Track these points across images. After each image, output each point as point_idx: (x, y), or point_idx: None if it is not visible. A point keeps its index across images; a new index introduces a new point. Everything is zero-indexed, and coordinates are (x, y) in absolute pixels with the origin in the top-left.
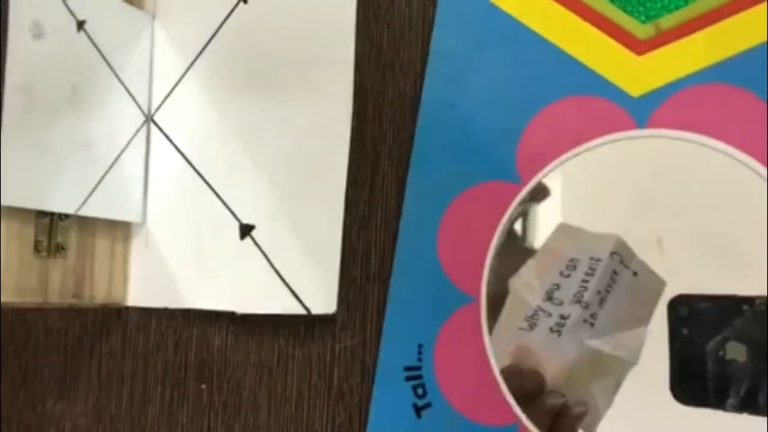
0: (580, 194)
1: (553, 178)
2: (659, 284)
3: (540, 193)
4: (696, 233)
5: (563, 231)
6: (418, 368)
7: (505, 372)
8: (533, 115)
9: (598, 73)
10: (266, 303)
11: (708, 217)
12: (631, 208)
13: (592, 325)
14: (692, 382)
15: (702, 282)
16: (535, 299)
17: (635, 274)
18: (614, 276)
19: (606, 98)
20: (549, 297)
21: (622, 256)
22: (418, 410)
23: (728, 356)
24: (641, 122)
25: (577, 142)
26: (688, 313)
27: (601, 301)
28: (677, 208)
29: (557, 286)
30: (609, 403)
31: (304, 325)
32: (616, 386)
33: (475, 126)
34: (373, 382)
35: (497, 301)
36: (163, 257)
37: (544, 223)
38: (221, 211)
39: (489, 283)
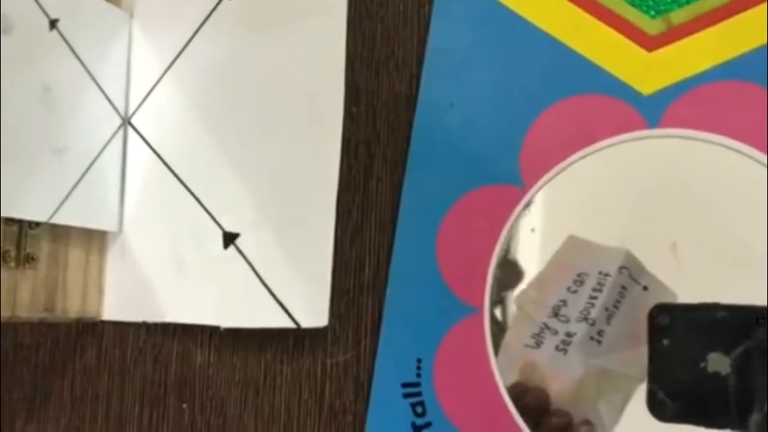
0: (588, 198)
1: (558, 181)
2: (670, 297)
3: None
4: (712, 237)
5: (572, 244)
6: (417, 384)
7: (510, 390)
8: (537, 115)
9: (607, 70)
10: (252, 316)
11: (725, 220)
12: (643, 212)
13: (599, 342)
14: (671, 396)
15: (718, 290)
16: (542, 316)
17: (645, 288)
18: (623, 291)
19: (615, 97)
20: (555, 313)
21: (630, 270)
22: (417, 429)
23: (710, 369)
24: (653, 122)
25: (585, 144)
26: (669, 322)
27: (609, 318)
28: (692, 212)
29: (564, 302)
30: (616, 420)
31: (293, 339)
32: (623, 403)
33: (476, 127)
34: (367, 400)
35: (502, 312)
36: (141, 268)
37: (548, 228)
38: (203, 218)
39: (493, 293)
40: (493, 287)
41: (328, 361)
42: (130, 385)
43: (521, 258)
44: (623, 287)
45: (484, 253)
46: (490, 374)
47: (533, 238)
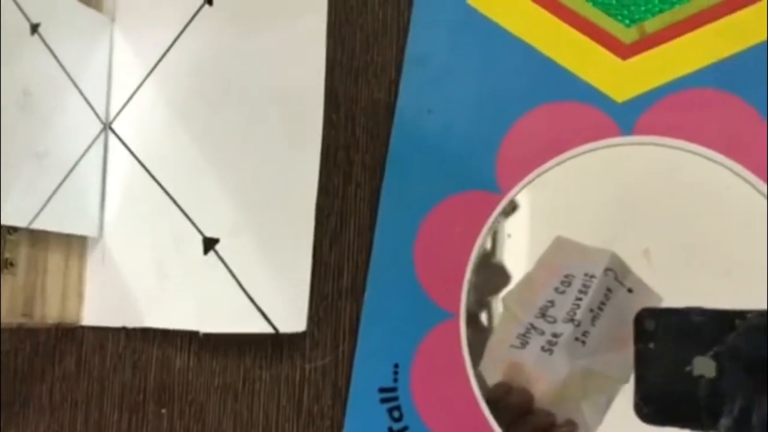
0: (563, 205)
1: (534, 187)
2: (655, 300)
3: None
4: (684, 243)
5: (559, 245)
6: (394, 389)
7: (493, 389)
8: (514, 121)
9: (582, 78)
10: (231, 321)
11: (697, 226)
12: (617, 218)
13: (583, 343)
14: (658, 400)
15: (692, 294)
16: (528, 316)
17: (630, 290)
18: (608, 293)
19: (590, 104)
20: (543, 314)
21: (616, 272)
22: None
23: (696, 372)
24: (627, 129)
25: (560, 151)
26: (655, 327)
27: (594, 319)
28: (665, 218)
29: (552, 303)
30: (599, 421)
31: (272, 344)
32: (607, 404)
33: (453, 133)
34: (345, 405)
35: (478, 317)
36: (121, 273)
37: (524, 233)
38: (183, 223)
39: (469, 298)
40: (469, 293)
41: (307, 366)
42: (109, 390)
43: (497, 264)
44: (608, 289)
45: (460, 259)
46: (467, 379)
47: (509, 243)
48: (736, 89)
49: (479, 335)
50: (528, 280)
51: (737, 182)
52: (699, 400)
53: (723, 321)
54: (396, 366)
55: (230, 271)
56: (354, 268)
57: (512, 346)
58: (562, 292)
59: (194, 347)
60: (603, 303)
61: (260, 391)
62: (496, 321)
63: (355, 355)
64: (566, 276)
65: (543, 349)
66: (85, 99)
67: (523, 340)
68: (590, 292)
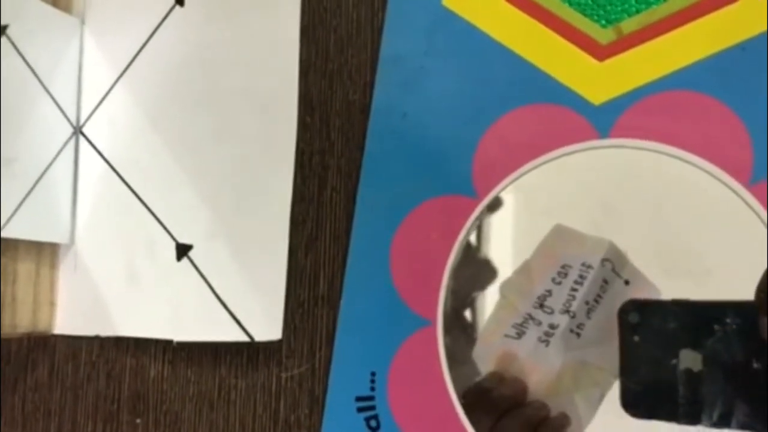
0: (539, 208)
1: (510, 191)
2: (653, 292)
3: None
4: (660, 245)
5: (558, 233)
6: (371, 398)
7: (486, 379)
8: (489, 124)
9: (558, 80)
10: (205, 330)
11: (674, 228)
12: (593, 221)
13: (578, 335)
14: (644, 393)
15: (668, 296)
16: (526, 306)
17: (627, 282)
18: (604, 285)
19: (566, 106)
20: (540, 304)
21: (614, 263)
22: None
23: (682, 365)
24: (603, 131)
25: (536, 154)
26: (640, 319)
27: (589, 312)
28: (642, 221)
29: (549, 293)
30: (592, 414)
31: (248, 352)
32: (601, 397)
33: (429, 137)
34: (323, 414)
35: (455, 324)
36: (94, 281)
37: (501, 238)
38: (156, 230)
39: (446, 305)
40: (446, 299)
41: (283, 375)
42: (82, 400)
43: (474, 269)
44: (605, 281)
45: (437, 265)
46: (444, 387)
47: (486, 248)
48: (714, 91)
49: (457, 342)
50: (526, 268)
51: (714, 184)
52: (684, 393)
53: (707, 313)
54: (373, 374)
55: (204, 278)
56: (330, 274)
57: (507, 335)
58: (559, 283)
59: (168, 356)
60: (599, 295)
61: (236, 401)
62: (476, 325)
63: (331, 363)
64: (563, 266)
65: (540, 339)
66: (55, 102)
67: (520, 330)
68: (586, 283)
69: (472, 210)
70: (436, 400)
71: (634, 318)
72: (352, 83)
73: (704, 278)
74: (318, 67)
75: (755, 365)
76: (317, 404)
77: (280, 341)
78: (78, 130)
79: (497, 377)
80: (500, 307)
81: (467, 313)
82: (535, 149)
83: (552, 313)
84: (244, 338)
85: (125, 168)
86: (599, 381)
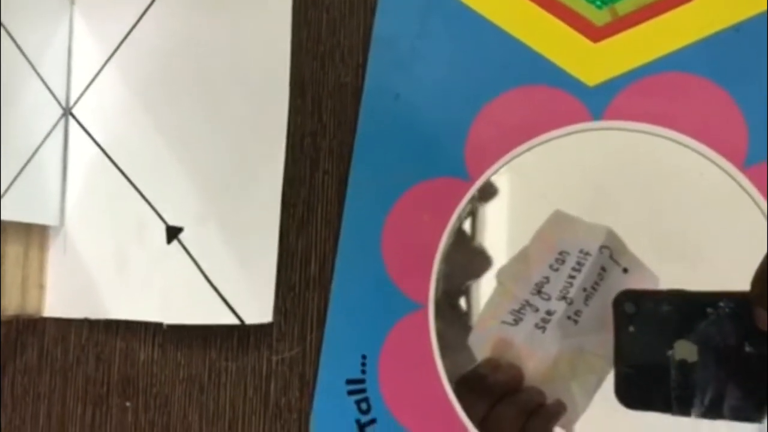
0: (532, 191)
1: (503, 174)
2: (652, 281)
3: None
4: (654, 227)
5: (557, 219)
6: (362, 381)
7: (481, 366)
8: (482, 106)
9: (552, 61)
10: (195, 313)
11: (666, 210)
12: (587, 204)
13: (576, 322)
14: (639, 384)
15: (663, 281)
16: (523, 292)
17: (625, 270)
18: (602, 273)
19: (560, 88)
20: (538, 291)
21: (612, 250)
22: (361, 427)
23: (678, 356)
24: (597, 113)
25: (530, 136)
26: (635, 310)
27: (587, 298)
28: (634, 203)
29: (547, 280)
30: (588, 401)
31: (238, 336)
32: (597, 385)
33: (421, 118)
34: (313, 397)
35: (447, 307)
36: (83, 263)
37: (494, 222)
38: (146, 212)
39: (438, 288)
40: (438, 282)
41: (274, 358)
42: (72, 383)
43: (466, 252)
44: (603, 268)
45: (429, 248)
46: (435, 370)
47: (478, 232)
48: (708, 73)
49: (449, 327)
50: (524, 254)
51: (709, 167)
52: (678, 384)
53: (703, 304)
54: (364, 357)
55: (194, 261)
56: (321, 257)
57: (504, 322)
58: (557, 269)
59: (159, 339)
60: (597, 283)
61: (226, 384)
62: (470, 310)
63: (322, 346)
64: (560, 253)
65: (536, 326)
66: (45, 83)
67: (516, 317)
68: (584, 270)
69: (464, 193)
70: (427, 384)
71: (629, 308)
72: (344, 65)
73: (698, 261)
74: (310, 49)
75: (747, 349)
76: (308, 387)
77: (270, 324)
78: (67, 112)
79: (492, 364)
80: (497, 293)
81: (461, 298)
82: (528, 131)
83: (549, 299)
84: (235, 321)
85: (115, 150)
86: (596, 368)
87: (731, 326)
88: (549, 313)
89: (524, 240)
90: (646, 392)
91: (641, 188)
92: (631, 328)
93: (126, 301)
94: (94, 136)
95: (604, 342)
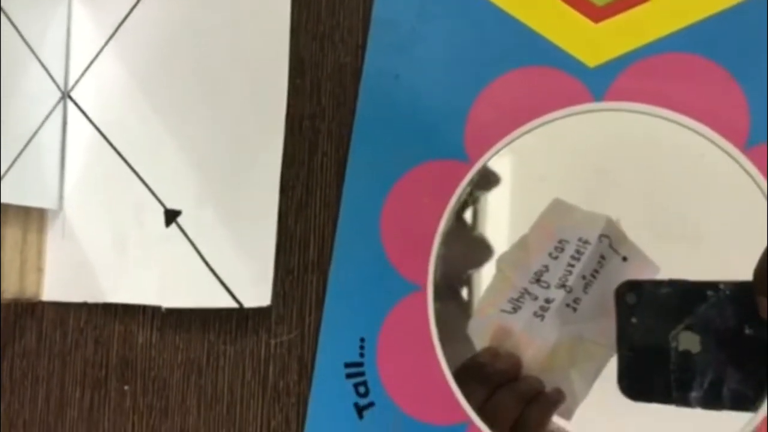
0: (532, 173)
1: (503, 156)
2: (651, 270)
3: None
4: (654, 209)
5: (556, 208)
6: (360, 364)
7: (480, 354)
8: (483, 87)
9: (553, 42)
10: (194, 296)
11: (667, 192)
12: (588, 186)
13: (574, 310)
14: (641, 376)
15: (665, 264)
16: (522, 280)
17: (625, 259)
18: (601, 261)
19: (561, 69)
20: (537, 279)
21: (611, 239)
22: (359, 410)
23: (681, 347)
24: (598, 94)
25: (530, 117)
26: (637, 300)
27: (586, 286)
28: (636, 185)
29: (546, 268)
30: (587, 389)
31: (236, 319)
32: (596, 373)
33: (421, 100)
34: (311, 380)
35: (445, 290)
36: (82, 247)
37: (495, 206)
38: (144, 195)
39: (437, 271)
40: (437, 265)
41: (272, 341)
42: (70, 367)
43: (466, 235)
44: (602, 256)
45: (428, 230)
46: (434, 353)
47: (478, 214)
48: (710, 53)
49: (447, 308)
50: (523, 242)
51: (710, 148)
52: (680, 375)
53: (704, 291)
54: (362, 340)
55: (192, 244)
56: (320, 240)
57: (503, 310)
58: (555, 258)
59: (157, 322)
60: (596, 271)
61: (225, 367)
62: (470, 296)
63: (320, 329)
64: (560, 241)
65: (535, 314)
66: (44, 66)
67: (515, 305)
68: (583, 258)
69: (463, 175)
70: (425, 367)
71: (631, 299)
72: (343, 46)
73: (698, 243)
74: (309, 30)
75: (747, 332)
76: (306, 370)
77: (269, 307)
78: (66, 95)
79: (492, 352)
80: (496, 280)
81: (460, 282)
82: (528, 113)
83: (548, 287)
84: (233, 305)
85: (114, 133)
86: (595, 356)
87: (731, 311)
88: (548, 301)
89: (524, 224)
90: (648, 382)
91: (642, 170)
92: (634, 320)
93: (124, 284)
94: (93, 120)
95: (604, 330)
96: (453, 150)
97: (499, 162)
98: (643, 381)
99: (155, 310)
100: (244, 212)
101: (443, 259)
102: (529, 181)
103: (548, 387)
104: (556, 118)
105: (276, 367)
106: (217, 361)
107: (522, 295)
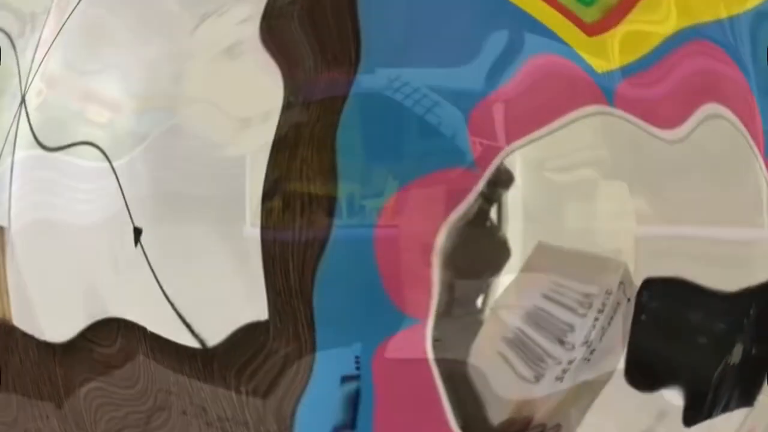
0: (540, 179)
1: (511, 161)
2: None
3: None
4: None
5: (542, 251)
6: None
7: (500, 426)
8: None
9: (564, 41)
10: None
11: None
12: (597, 190)
13: (588, 360)
14: (649, 369)
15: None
16: (543, 342)
17: (629, 300)
18: (617, 307)
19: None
20: (561, 340)
21: (625, 285)
22: None
23: (690, 344)
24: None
25: (540, 122)
26: (648, 298)
27: (602, 337)
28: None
29: (571, 328)
30: (582, 418)
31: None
32: (592, 402)
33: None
34: None
35: (449, 323)
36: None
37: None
38: None
39: (440, 301)
40: (440, 293)
41: None
42: None
43: (474, 253)
44: (618, 303)
45: (427, 251)
46: (441, 410)
47: (485, 229)
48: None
49: (449, 342)
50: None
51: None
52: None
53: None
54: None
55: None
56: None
57: (524, 379)
58: (583, 315)
59: None
60: (611, 318)
61: None
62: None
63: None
64: (586, 295)
65: (557, 378)
66: None
67: (538, 373)
68: (606, 309)
69: (470, 186)
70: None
71: (644, 296)
72: None
73: (717, 253)
74: None
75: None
76: None
77: None
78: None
79: (509, 422)
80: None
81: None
82: (538, 116)
83: (573, 348)
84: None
85: None
86: (594, 389)
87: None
88: (570, 362)
89: (533, 233)
90: (656, 375)
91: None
92: (644, 317)
93: None
94: None
95: (607, 366)
96: (457, 158)
97: (507, 168)
98: (651, 373)
99: None
100: None
101: (447, 286)
102: (539, 187)
103: (549, 425)
104: (570, 121)
105: None
106: None
107: (543, 360)
